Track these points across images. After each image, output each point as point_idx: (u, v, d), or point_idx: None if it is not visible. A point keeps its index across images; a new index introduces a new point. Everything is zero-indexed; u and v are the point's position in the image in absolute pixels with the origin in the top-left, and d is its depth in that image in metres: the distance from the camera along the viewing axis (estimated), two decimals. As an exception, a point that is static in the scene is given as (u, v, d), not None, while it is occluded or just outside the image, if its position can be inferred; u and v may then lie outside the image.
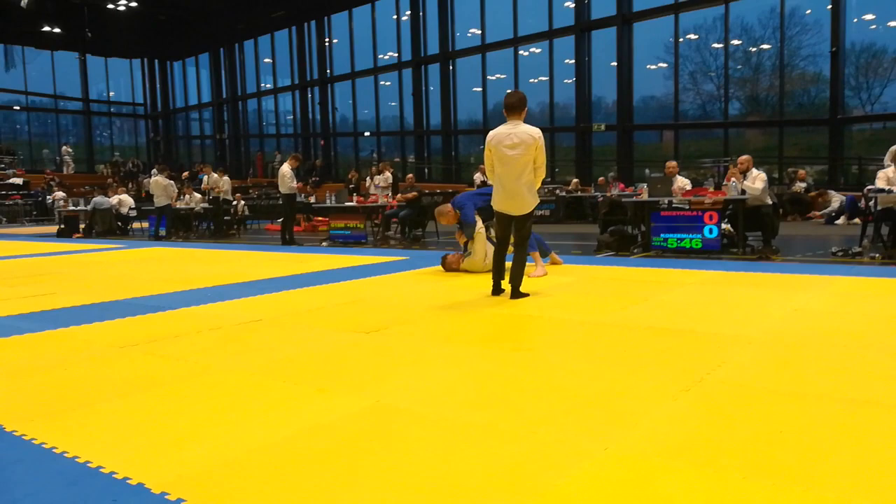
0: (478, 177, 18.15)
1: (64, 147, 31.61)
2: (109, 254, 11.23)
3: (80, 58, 32.80)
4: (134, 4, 27.23)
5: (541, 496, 1.93)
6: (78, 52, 32.44)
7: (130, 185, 25.12)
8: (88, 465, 2.27)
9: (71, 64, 32.75)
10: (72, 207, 17.57)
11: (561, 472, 2.09)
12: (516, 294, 5.35)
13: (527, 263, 5.55)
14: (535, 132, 5.23)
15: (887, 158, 8.08)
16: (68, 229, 17.05)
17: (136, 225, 17.50)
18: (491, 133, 5.38)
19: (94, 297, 6.10)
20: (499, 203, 5.39)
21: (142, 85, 35.78)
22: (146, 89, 35.82)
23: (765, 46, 17.27)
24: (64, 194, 21.73)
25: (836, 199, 12.64)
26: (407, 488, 2.01)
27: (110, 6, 27.36)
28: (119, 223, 16.79)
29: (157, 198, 14.43)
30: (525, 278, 5.49)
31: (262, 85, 31.03)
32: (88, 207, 16.65)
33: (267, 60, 30.46)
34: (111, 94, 35.28)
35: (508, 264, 5.54)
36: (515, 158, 5.21)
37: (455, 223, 7.20)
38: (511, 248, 5.57)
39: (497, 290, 5.54)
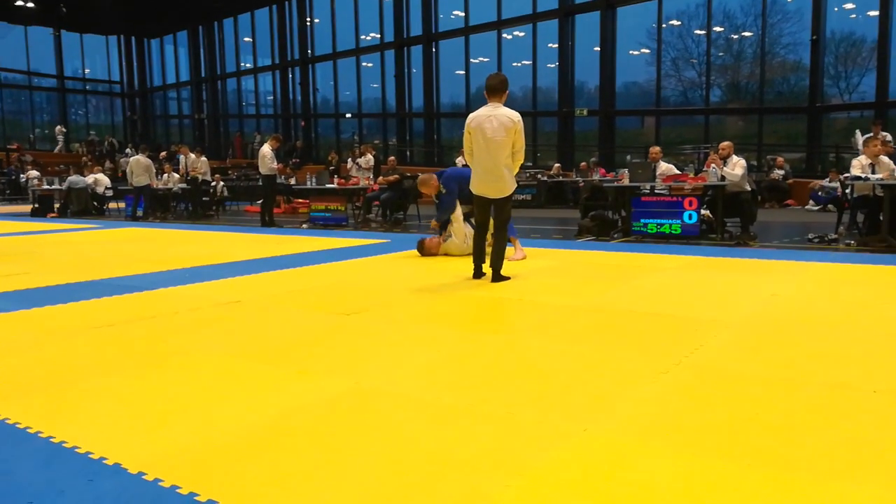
0: (459, 160, 18.08)
1: (58, 127, 31.08)
2: (85, 234, 11.07)
3: (54, 34, 32.05)
4: (111, -21, 26.66)
5: (521, 475, 1.94)
6: (53, 28, 31.69)
7: (107, 164, 24.71)
8: (63, 445, 2.24)
9: (45, 40, 32.02)
10: (46, 186, 17.25)
11: (541, 453, 2.10)
12: (497, 277, 5.35)
13: (506, 247, 5.56)
14: (515, 116, 5.21)
15: (858, 145, 8.17)
16: (42, 209, 16.74)
17: (112, 205, 17.24)
18: (471, 116, 5.34)
19: (69, 277, 6.01)
20: (477, 186, 5.36)
21: (118, 62, 35.07)
22: (123, 67, 35.12)
23: (746, 34, 17.35)
24: (38, 173, 21.31)
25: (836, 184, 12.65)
26: (388, 468, 2.01)
27: (86, -20, 26.76)
28: (95, 203, 16.52)
29: (137, 177, 14.18)
30: (505, 262, 5.50)
31: (242, 64, 30.56)
32: (63, 186, 16.36)
33: (247, 39, 30.00)
34: (87, 71, 34.57)
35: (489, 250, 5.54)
36: (495, 142, 5.17)
37: (433, 196, 7.16)
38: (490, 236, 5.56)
39: (478, 274, 5.54)
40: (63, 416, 2.52)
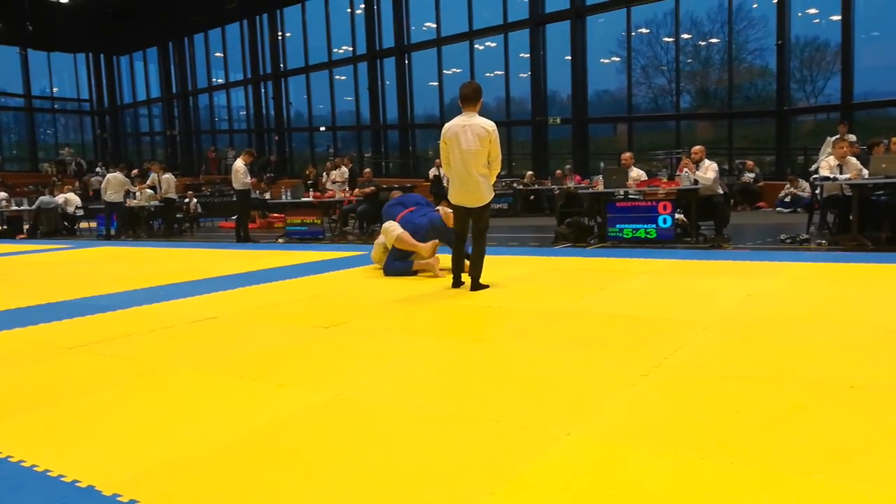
0: (433, 171, 18.09)
1: (67, 149, 30.55)
2: (56, 254, 10.86)
3: (21, 52, 31.57)
4: (77, -4, 26.34)
5: (506, 482, 1.92)
6: (19, 47, 31.22)
7: (76, 184, 24.32)
8: (34, 468, 2.17)
9: (11, 59, 31.52)
10: (14, 207, 16.92)
11: (526, 458, 2.08)
12: (476, 286, 5.34)
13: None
14: (490, 125, 5.21)
15: (826, 148, 8.33)
16: (11, 230, 16.43)
17: (83, 224, 16.96)
18: (446, 125, 5.33)
19: (40, 298, 5.88)
20: (455, 196, 5.35)
21: (87, 80, 34.60)
22: (92, 85, 34.65)
23: (714, 40, 17.63)
24: (6, 194, 20.91)
25: (806, 187, 12.86)
26: (372, 478, 1.98)
27: (52, -2, 26.42)
28: (66, 223, 16.24)
29: (112, 194, 13.95)
30: (483, 270, 5.50)
31: (214, 79, 30.34)
32: (33, 207, 16.06)
33: (218, 54, 29.80)
34: (55, 89, 34.07)
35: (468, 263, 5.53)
36: (470, 152, 5.17)
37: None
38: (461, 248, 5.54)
39: (457, 283, 5.52)
40: (34, 439, 2.45)
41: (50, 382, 3.21)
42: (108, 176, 14.56)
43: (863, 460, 1.98)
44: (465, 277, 5.49)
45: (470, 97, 5.26)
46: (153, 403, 2.82)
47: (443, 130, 5.34)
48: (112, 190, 13.93)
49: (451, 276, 5.60)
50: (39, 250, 11.67)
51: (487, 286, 5.38)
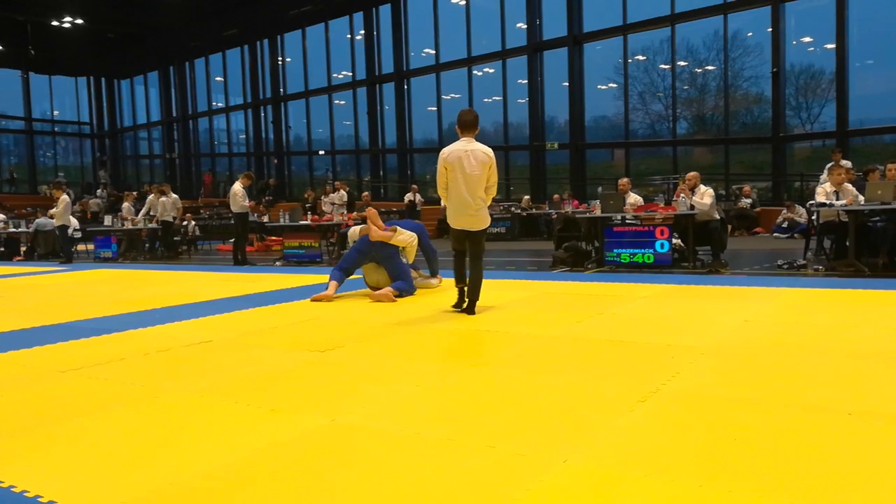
0: (408, 196, 18.14)
1: (101, 171, 30.66)
2: (53, 276, 10.84)
3: (23, 76, 31.82)
4: (80, 22, 26.56)
5: (501, 511, 1.90)
6: (21, 70, 31.46)
7: (75, 206, 24.32)
8: (25, 494, 2.14)
9: (13, 82, 31.74)
10: (12, 229, 16.92)
11: (522, 485, 2.06)
12: (473, 309, 5.34)
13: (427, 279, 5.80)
14: (489, 151, 5.34)
15: (825, 175, 8.38)
16: (8, 252, 16.41)
17: (80, 247, 16.94)
18: (446, 150, 5.38)
19: (35, 321, 5.85)
20: (455, 220, 5.40)
21: (88, 103, 34.84)
22: (92, 108, 34.88)
23: (710, 67, 17.83)
24: (3, 216, 20.93)
25: (803, 212, 12.93)
26: (364, 507, 1.96)
27: (55, 23, 26.65)
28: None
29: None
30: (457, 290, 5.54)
31: (214, 103, 30.57)
32: (31, 229, 16.06)
33: (219, 79, 30.05)
34: (55, 112, 34.27)
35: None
36: (473, 177, 5.27)
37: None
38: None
39: (462, 300, 5.50)
40: (25, 464, 2.42)
41: (43, 406, 3.18)
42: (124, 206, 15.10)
43: (861, 488, 1.96)
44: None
45: (471, 123, 5.39)
46: (146, 428, 2.79)
47: (442, 155, 5.38)
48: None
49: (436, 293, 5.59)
50: (36, 272, 11.64)
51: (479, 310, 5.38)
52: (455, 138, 5.44)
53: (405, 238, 6.67)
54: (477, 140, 5.38)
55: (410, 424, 2.70)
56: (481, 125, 5.51)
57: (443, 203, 5.71)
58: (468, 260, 5.49)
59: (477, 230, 5.38)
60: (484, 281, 5.51)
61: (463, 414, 2.82)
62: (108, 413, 3.02)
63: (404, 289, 6.48)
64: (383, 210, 13.14)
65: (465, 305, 5.45)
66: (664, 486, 2.02)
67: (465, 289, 5.49)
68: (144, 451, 2.51)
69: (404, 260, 6.73)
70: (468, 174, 5.25)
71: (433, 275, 7.32)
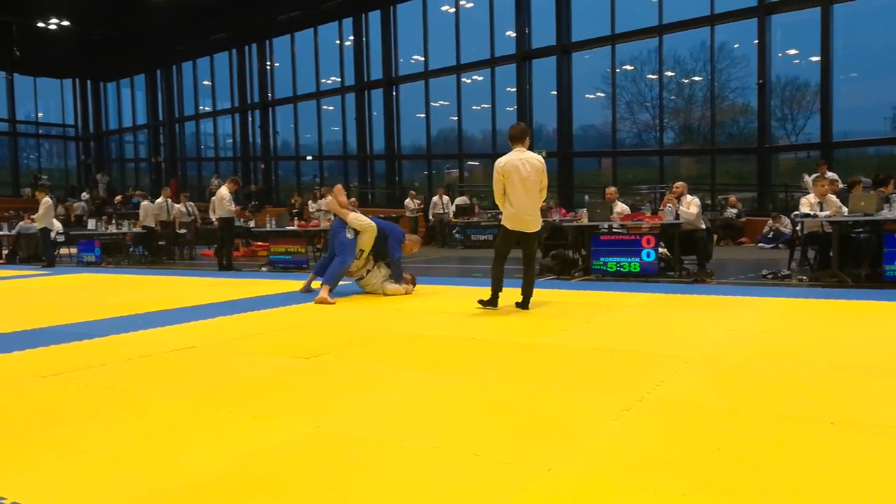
0: (408, 203, 18.06)
1: (100, 175, 30.40)
2: (34, 280, 10.71)
3: (7, 77, 31.50)
4: (66, 24, 26.37)
5: (485, 520, 1.88)
6: (5, 72, 31.16)
7: (58, 209, 24.08)
8: (3, 502, 2.10)
9: (-3, 83, 31.42)
10: (-6, 232, 16.71)
11: (506, 494, 2.05)
12: (527, 304, 5.86)
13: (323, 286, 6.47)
14: (541, 158, 5.95)
15: (808, 185, 8.45)
16: (-10, 255, 16.19)
17: (63, 250, 16.75)
18: (501, 160, 5.91)
19: (14, 325, 5.77)
20: (514, 223, 5.89)
21: (73, 106, 34.53)
22: (77, 110, 34.56)
23: (697, 78, 17.98)
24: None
25: (788, 223, 13.01)
26: (346, 516, 1.94)
27: (41, 25, 26.43)
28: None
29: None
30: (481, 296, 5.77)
31: (201, 108, 30.41)
32: (13, 232, 15.86)
33: (206, 83, 29.90)
34: (40, 114, 33.94)
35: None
36: (530, 181, 5.81)
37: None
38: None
39: (494, 300, 5.87)
40: (5, 471, 2.38)
41: (22, 412, 3.13)
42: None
43: (843, 497, 1.97)
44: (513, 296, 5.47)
45: (519, 136, 5.96)
46: (128, 435, 2.75)
47: (498, 164, 5.90)
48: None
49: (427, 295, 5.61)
50: (18, 276, 11.50)
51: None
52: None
53: (361, 221, 7.10)
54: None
55: (395, 432, 2.68)
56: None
57: (500, 209, 6.16)
58: (523, 260, 6.03)
59: (532, 231, 5.92)
60: (471, 288, 5.53)
61: (448, 422, 2.80)
62: (90, 419, 2.97)
63: (331, 279, 6.85)
64: (370, 216, 13.07)
65: (512, 302, 5.87)
66: (648, 494, 2.02)
67: (500, 292, 5.90)
68: (125, 458, 2.47)
69: (350, 236, 7.07)
70: (524, 178, 5.78)
71: (396, 280, 7.24)
